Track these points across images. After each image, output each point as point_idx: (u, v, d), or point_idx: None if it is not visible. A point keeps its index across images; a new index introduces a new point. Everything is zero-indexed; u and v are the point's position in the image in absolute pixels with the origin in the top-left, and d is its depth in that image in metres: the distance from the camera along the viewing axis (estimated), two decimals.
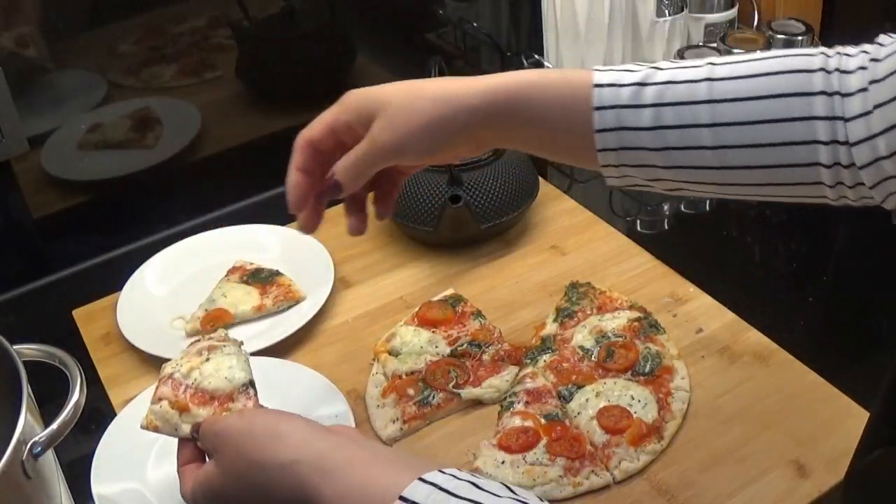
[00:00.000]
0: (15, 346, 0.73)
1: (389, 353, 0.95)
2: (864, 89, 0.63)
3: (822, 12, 1.42)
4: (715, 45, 1.30)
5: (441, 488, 0.54)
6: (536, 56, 1.34)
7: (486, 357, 0.92)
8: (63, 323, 1.05)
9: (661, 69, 0.69)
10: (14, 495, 0.68)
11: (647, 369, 0.90)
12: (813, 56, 0.66)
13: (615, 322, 0.95)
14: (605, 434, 0.84)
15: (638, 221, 1.20)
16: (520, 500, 0.55)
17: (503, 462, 0.82)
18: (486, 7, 1.41)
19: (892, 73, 0.61)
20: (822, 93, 0.64)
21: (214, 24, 1.23)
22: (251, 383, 0.73)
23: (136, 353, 0.98)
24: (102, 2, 1.14)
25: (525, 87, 0.71)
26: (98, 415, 0.91)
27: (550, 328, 0.97)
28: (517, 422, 0.86)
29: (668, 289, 1.02)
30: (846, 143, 0.63)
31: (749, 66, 0.67)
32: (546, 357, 0.93)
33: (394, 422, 0.88)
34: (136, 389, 0.94)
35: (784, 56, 0.67)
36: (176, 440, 0.79)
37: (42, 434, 0.70)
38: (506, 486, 0.56)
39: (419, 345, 0.94)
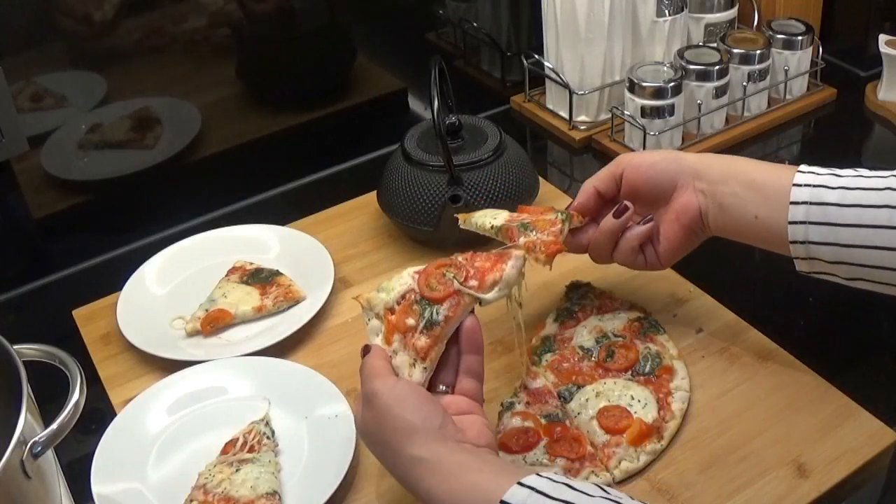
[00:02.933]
0: (15, 346, 0.73)
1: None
2: None
3: (822, 12, 1.42)
4: (715, 45, 1.30)
5: (538, 491, 0.63)
6: (536, 56, 1.34)
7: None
8: (63, 323, 1.05)
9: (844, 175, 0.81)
10: (14, 495, 0.68)
11: (647, 369, 0.90)
12: None
13: (615, 322, 0.95)
14: (605, 434, 0.84)
15: None
16: (612, 500, 0.61)
17: None
18: (486, 7, 1.41)
19: None
20: None
21: (214, 24, 1.23)
22: (275, 493, 0.81)
23: (136, 353, 0.98)
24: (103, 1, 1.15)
25: (736, 163, 0.87)
26: (98, 415, 0.91)
27: (550, 328, 0.97)
28: (517, 422, 0.86)
29: (668, 289, 1.02)
30: None
31: None
32: (546, 357, 0.93)
33: (413, 364, 0.77)
34: (136, 389, 0.94)
35: None
36: (175, 442, 0.88)
37: (42, 434, 0.70)
38: (598, 486, 0.64)
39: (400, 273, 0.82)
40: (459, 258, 0.80)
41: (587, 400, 0.87)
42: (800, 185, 0.81)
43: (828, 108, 1.37)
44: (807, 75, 1.36)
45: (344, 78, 1.39)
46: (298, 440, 0.87)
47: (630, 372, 0.90)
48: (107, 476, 0.84)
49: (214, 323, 1.00)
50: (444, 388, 0.78)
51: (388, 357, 0.77)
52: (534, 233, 0.87)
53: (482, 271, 0.79)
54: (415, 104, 1.42)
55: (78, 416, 0.72)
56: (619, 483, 0.82)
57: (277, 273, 1.06)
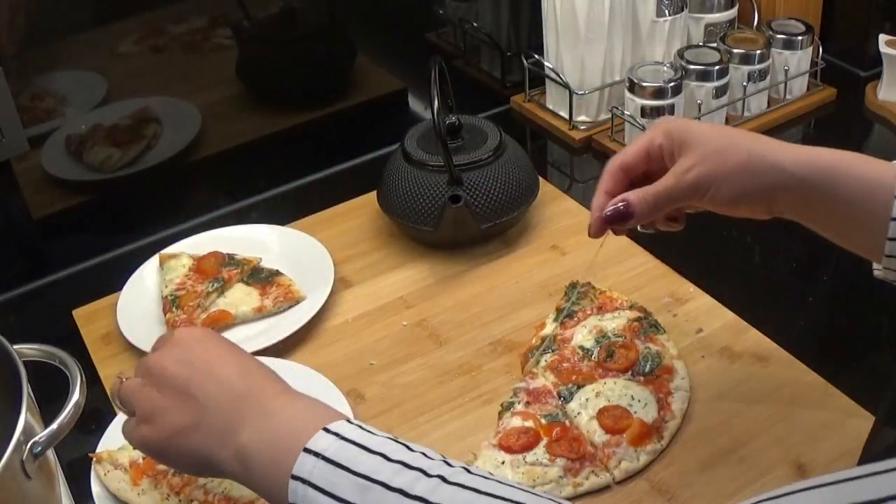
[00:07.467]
0: (15, 346, 0.73)
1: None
2: None
3: (822, 12, 1.42)
4: (715, 45, 1.30)
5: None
6: (536, 56, 1.34)
7: None
8: (63, 323, 1.05)
9: None
10: (14, 495, 0.68)
11: (647, 369, 0.90)
12: None
13: (615, 322, 0.95)
14: (605, 434, 0.84)
15: None
16: (415, 451, 0.60)
17: (503, 462, 0.82)
18: (486, 7, 1.41)
19: None
20: None
21: (214, 24, 1.23)
22: None
23: (136, 353, 0.98)
24: (102, 1, 1.15)
25: (835, 162, 0.71)
26: (98, 415, 0.91)
27: (550, 328, 0.97)
28: (517, 422, 0.86)
29: (668, 289, 1.02)
30: None
31: None
32: (546, 357, 0.93)
33: (167, 497, 0.81)
34: None
35: None
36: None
37: (42, 434, 0.70)
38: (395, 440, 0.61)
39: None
40: None
41: (587, 400, 0.87)
42: None
43: (828, 108, 1.37)
44: (807, 75, 1.36)
45: (344, 78, 1.39)
46: None
47: (630, 372, 0.90)
48: None
49: (214, 323, 1.00)
50: None
51: None
52: (177, 309, 0.99)
53: None
54: (415, 104, 1.42)
55: (78, 416, 0.72)
56: (620, 483, 0.82)
57: (277, 273, 1.06)
